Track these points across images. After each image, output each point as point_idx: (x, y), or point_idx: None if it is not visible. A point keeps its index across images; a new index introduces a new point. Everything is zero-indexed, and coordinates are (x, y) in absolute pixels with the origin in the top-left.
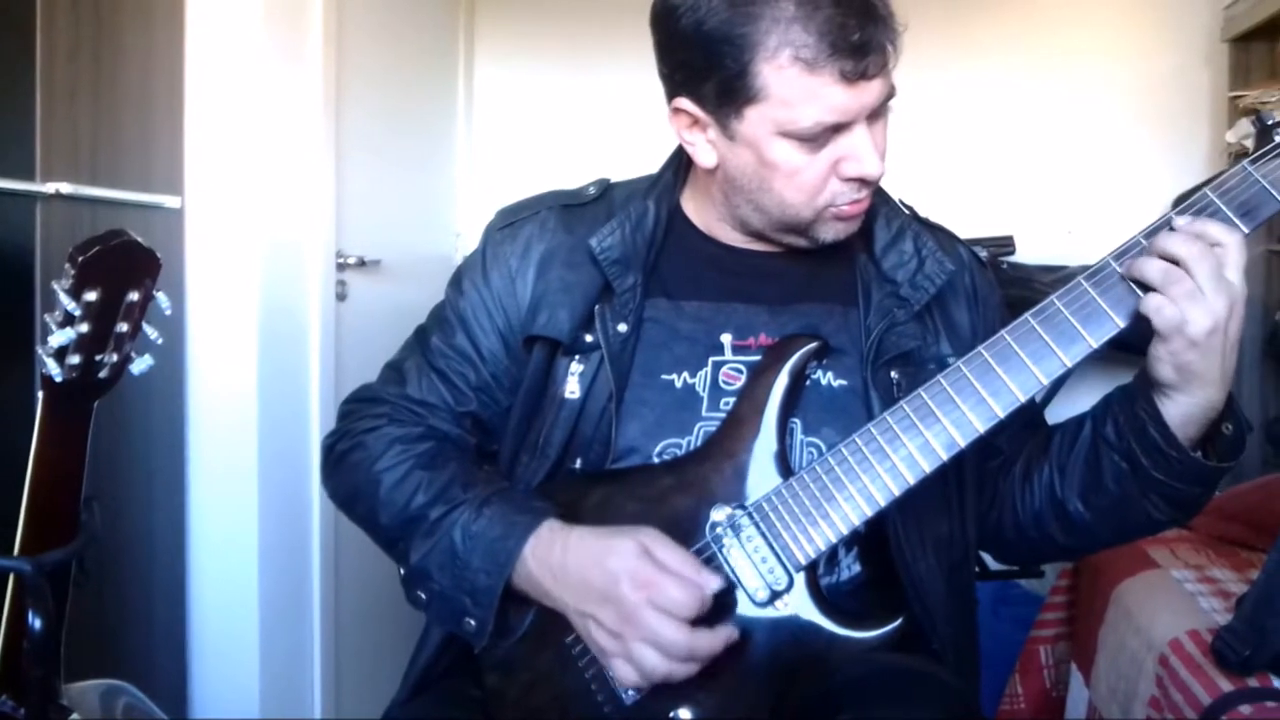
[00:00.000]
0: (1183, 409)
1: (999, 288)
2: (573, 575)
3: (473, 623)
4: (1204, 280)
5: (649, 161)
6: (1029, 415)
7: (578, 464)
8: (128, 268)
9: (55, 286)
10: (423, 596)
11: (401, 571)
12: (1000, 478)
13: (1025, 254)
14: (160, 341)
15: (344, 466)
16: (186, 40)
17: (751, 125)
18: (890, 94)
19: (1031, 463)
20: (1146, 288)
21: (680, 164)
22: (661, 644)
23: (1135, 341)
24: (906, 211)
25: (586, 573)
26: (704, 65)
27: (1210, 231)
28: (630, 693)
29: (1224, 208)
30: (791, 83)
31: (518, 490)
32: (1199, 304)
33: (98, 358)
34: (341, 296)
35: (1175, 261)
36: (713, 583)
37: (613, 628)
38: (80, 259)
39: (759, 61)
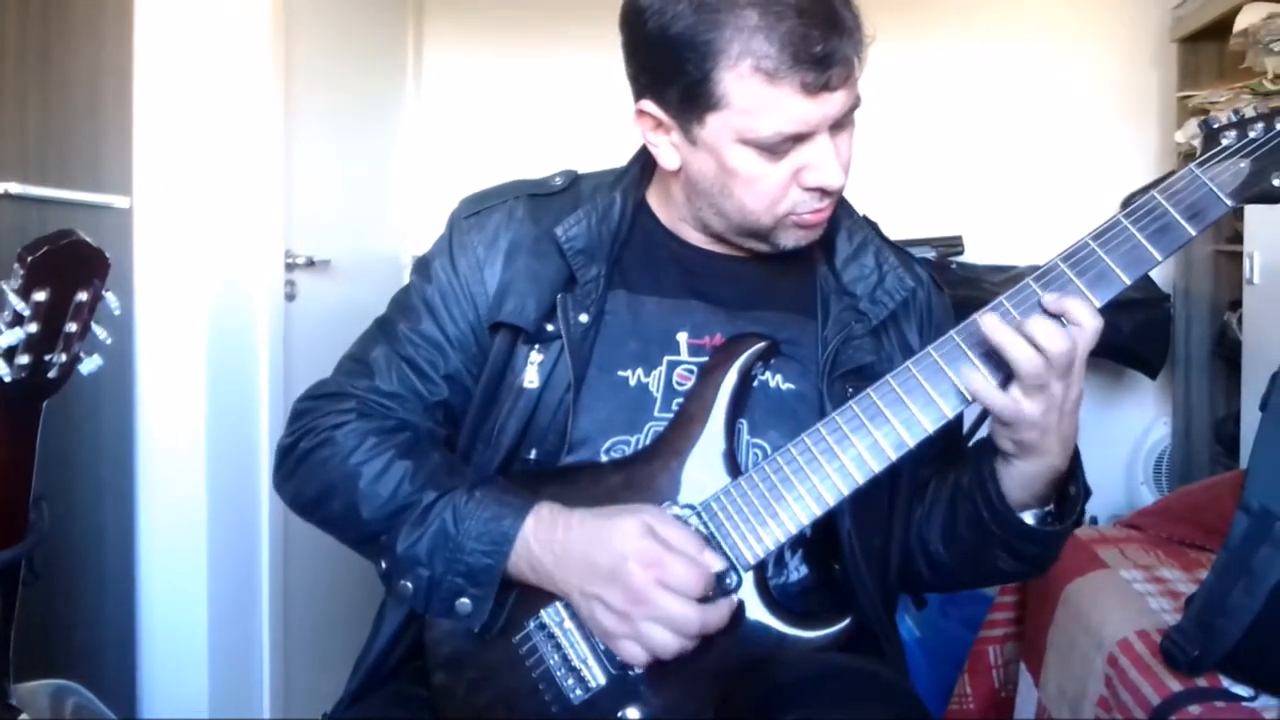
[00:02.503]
0: (1022, 473)
1: (952, 313)
2: (576, 556)
3: (468, 603)
4: (1056, 371)
5: (600, 155)
6: (950, 442)
7: (532, 455)
8: (76, 268)
9: (4, 287)
10: (409, 586)
11: (383, 565)
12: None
13: (974, 254)
14: (109, 341)
15: (310, 464)
16: (135, 40)
17: (713, 132)
18: (855, 104)
19: (913, 498)
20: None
21: (647, 159)
22: (673, 622)
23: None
24: (869, 227)
25: (591, 553)
26: (668, 70)
27: (1072, 312)
28: (578, 691)
29: (1171, 210)
30: (752, 92)
31: (500, 479)
32: (1038, 394)
33: (47, 358)
34: (290, 297)
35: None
36: (717, 564)
37: (620, 608)
38: (29, 259)
39: (720, 69)
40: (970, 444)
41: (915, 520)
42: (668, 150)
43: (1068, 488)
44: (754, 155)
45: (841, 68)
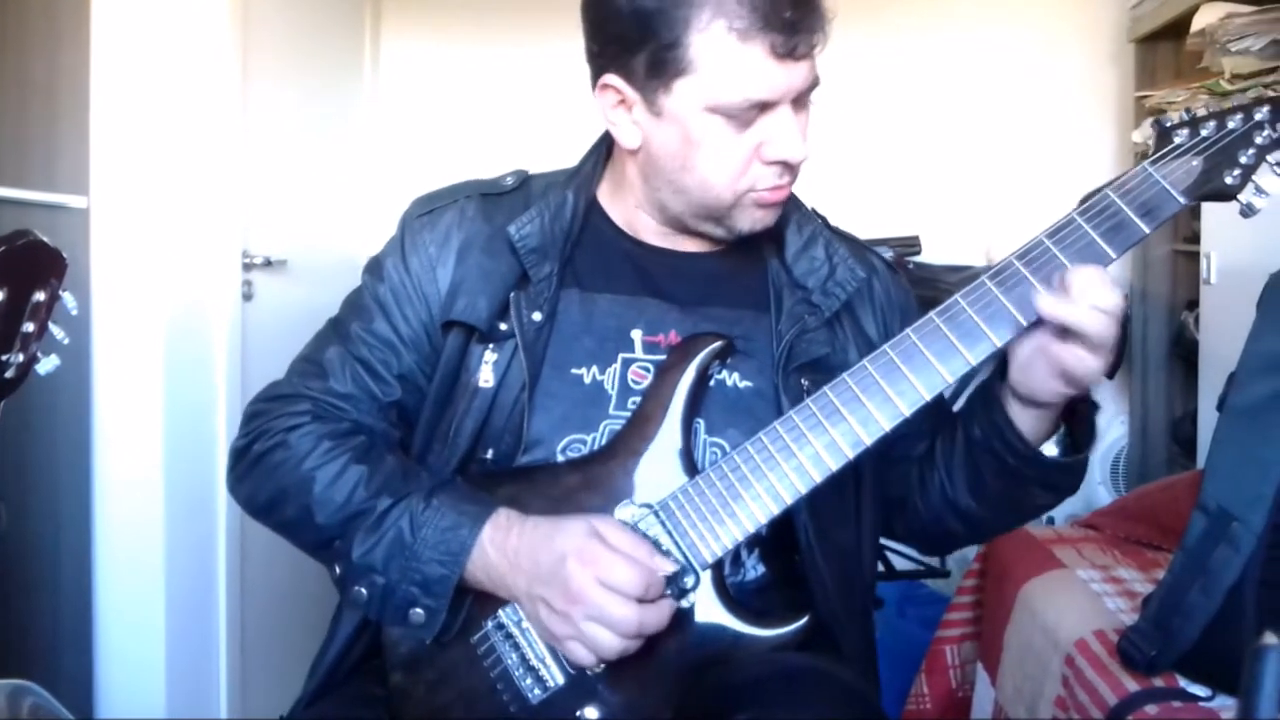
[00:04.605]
0: (1045, 415)
1: (913, 295)
2: (525, 558)
3: (421, 613)
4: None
5: (557, 151)
6: (941, 416)
7: (489, 454)
8: (34, 268)
9: None
10: (364, 592)
11: (337, 569)
12: (905, 484)
13: (931, 254)
14: (66, 342)
15: (264, 468)
16: (92, 39)
17: (679, 100)
18: (815, 83)
19: (924, 467)
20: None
21: (599, 157)
22: (609, 621)
23: None
24: (818, 219)
25: (537, 553)
26: (637, 38)
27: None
28: (536, 691)
29: (1125, 208)
30: (723, 54)
31: (458, 483)
32: (1104, 352)
33: (3, 358)
34: (248, 297)
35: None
36: (666, 567)
37: (560, 608)
38: None
39: (692, 33)
40: (966, 398)
41: (935, 486)
42: (628, 128)
43: (1074, 409)
44: (720, 123)
45: (808, 35)
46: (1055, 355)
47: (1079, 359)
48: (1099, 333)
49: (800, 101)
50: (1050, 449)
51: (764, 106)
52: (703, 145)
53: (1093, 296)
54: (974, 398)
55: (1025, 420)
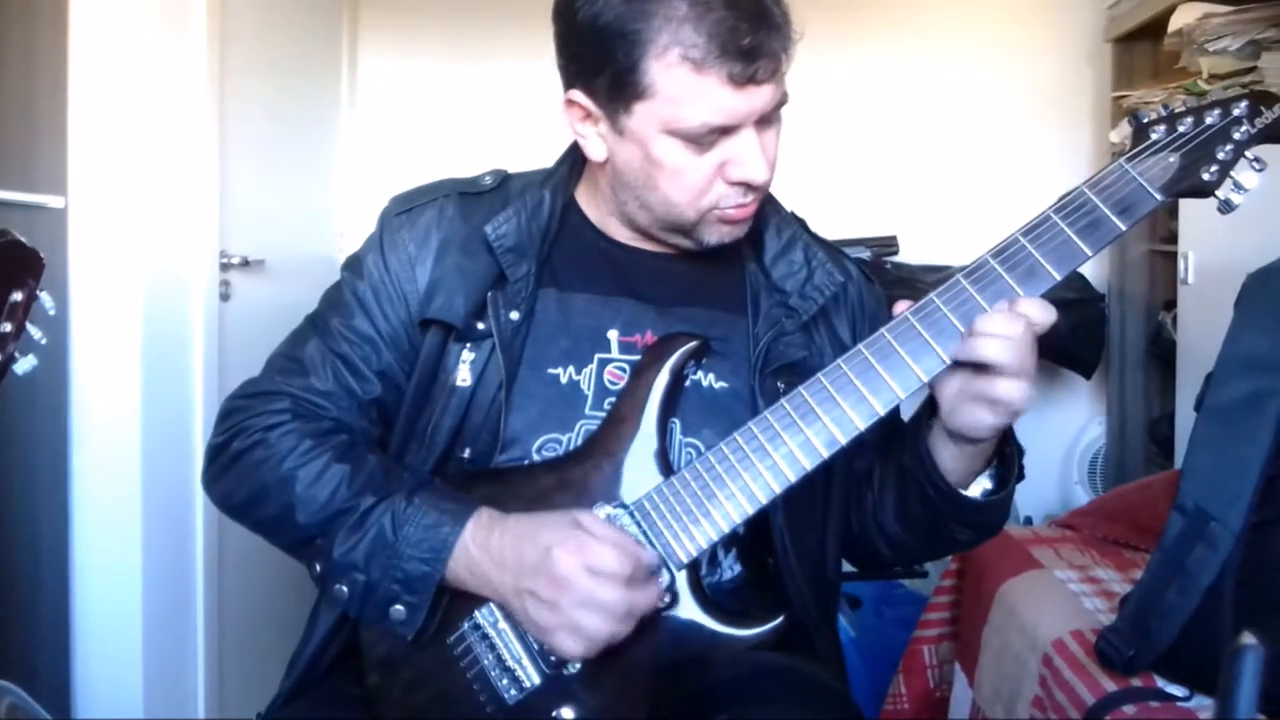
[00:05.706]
0: (978, 450)
1: (885, 304)
2: (510, 556)
3: (402, 609)
4: (1029, 361)
5: (532, 159)
6: (889, 430)
7: (466, 453)
8: (11, 267)
9: None
10: (344, 590)
11: (317, 568)
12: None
13: (909, 254)
14: (44, 342)
15: (242, 466)
16: (70, 39)
17: (639, 121)
18: (782, 101)
19: (862, 483)
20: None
21: (576, 157)
22: (599, 604)
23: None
24: (797, 223)
25: (521, 548)
26: (597, 59)
27: (1031, 315)
28: (512, 692)
29: (1101, 205)
30: (679, 82)
31: (438, 483)
32: (1023, 377)
33: None
34: (225, 297)
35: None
36: (646, 554)
37: (549, 597)
38: None
39: (649, 59)
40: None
41: (868, 505)
42: (595, 141)
43: (1003, 446)
44: (679, 146)
45: (769, 61)
46: (979, 388)
47: (1005, 388)
48: (1009, 359)
49: (766, 120)
50: (985, 483)
51: (725, 130)
52: (664, 166)
53: (994, 327)
54: (909, 425)
55: (950, 457)
